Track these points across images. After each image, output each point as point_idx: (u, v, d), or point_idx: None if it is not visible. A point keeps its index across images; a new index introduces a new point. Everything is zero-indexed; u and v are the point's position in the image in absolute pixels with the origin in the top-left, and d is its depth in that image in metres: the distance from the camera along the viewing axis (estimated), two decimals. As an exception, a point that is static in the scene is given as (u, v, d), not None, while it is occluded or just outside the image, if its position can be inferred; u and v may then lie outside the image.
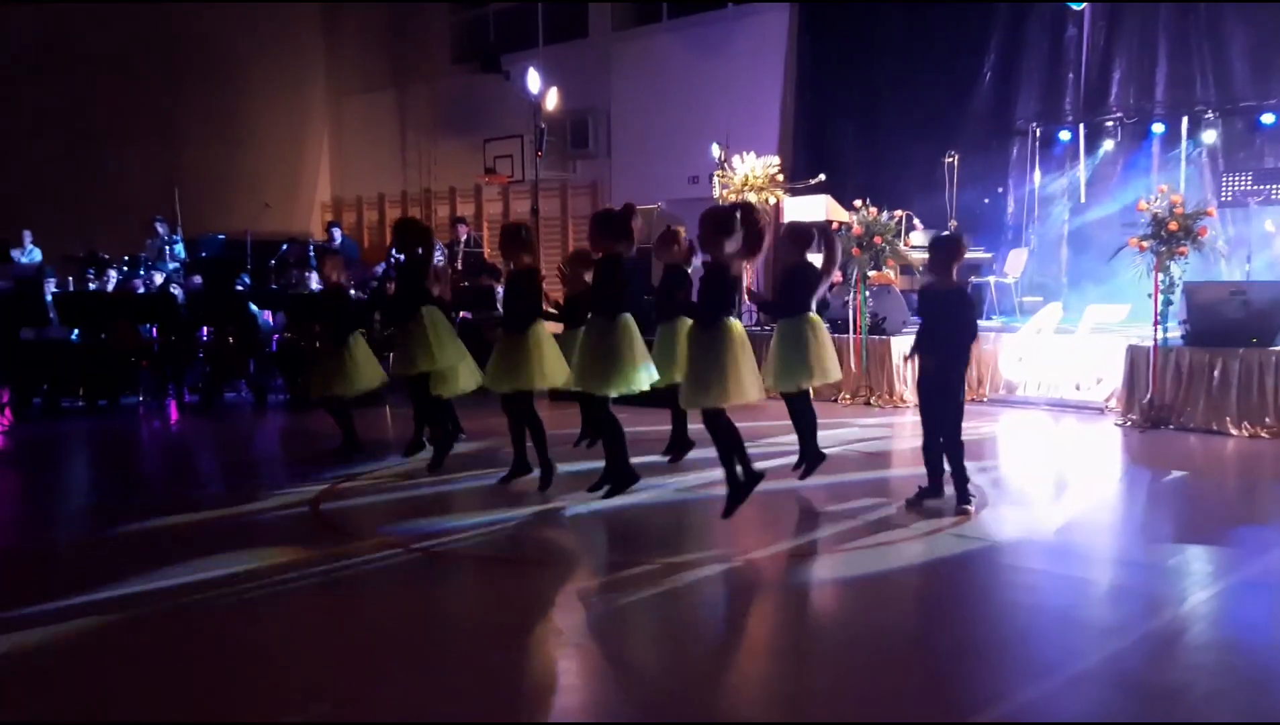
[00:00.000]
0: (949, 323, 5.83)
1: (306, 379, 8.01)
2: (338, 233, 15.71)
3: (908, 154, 12.84)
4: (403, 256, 7.66)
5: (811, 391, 6.70)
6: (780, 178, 12.67)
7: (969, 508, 5.83)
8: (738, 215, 5.38)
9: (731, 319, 5.40)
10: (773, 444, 7.28)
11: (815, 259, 6.71)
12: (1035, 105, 12.54)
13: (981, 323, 11.24)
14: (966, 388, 6.36)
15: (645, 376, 6.04)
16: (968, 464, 5.98)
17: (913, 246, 11.11)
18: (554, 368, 6.45)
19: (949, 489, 5.97)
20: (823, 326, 6.58)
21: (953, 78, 12.97)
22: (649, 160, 16.00)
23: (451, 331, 7.33)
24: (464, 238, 14.24)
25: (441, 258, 14.50)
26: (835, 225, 11.61)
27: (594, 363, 6.03)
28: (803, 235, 6.74)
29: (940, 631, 4.21)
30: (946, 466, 5.93)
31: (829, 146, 14.07)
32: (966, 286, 5.94)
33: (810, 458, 6.61)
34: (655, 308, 7.19)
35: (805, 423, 6.61)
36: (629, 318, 6.03)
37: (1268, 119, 10.93)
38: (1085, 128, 12.18)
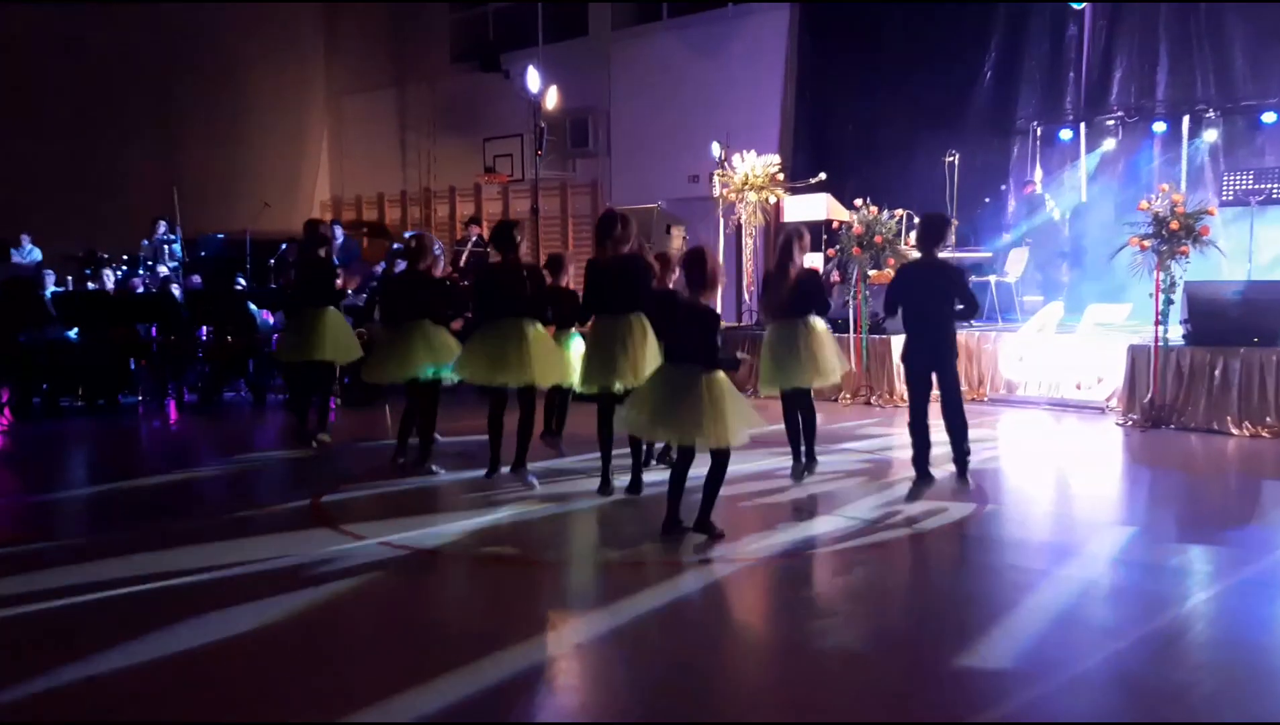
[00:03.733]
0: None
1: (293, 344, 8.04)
2: (339, 231, 15.63)
3: (908, 153, 12.81)
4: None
5: (811, 393, 6.66)
6: (780, 177, 12.67)
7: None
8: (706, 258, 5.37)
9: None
10: (771, 440, 7.26)
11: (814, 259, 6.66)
12: (1036, 104, 12.54)
13: (981, 323, 11.30)
14: (967, 387, 6.41)
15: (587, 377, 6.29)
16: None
17: (913, 246, 11.07)
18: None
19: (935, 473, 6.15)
20: (819, 328, 6.45)
21: (953, 77, 12.97)
22: (649, 160, 15.99)
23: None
24: (473, 238, 14.22)
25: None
26: (836, 224, 11.63)
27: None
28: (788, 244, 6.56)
29: (940, 631, 4.19)
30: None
31: (829, 146, 14.08)
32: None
33: (807, 461, 6.59)
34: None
35: (806, 426, 6.59)
36: (601, 321, 6.23)
37: (1269, 117, 10.93)
38: (1086, 127, 12.17)
